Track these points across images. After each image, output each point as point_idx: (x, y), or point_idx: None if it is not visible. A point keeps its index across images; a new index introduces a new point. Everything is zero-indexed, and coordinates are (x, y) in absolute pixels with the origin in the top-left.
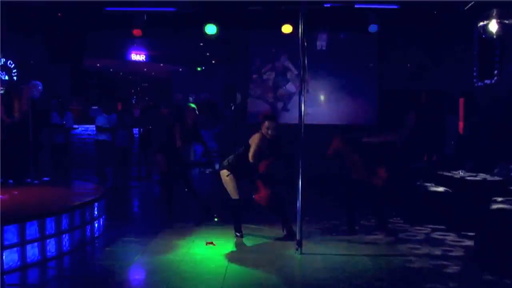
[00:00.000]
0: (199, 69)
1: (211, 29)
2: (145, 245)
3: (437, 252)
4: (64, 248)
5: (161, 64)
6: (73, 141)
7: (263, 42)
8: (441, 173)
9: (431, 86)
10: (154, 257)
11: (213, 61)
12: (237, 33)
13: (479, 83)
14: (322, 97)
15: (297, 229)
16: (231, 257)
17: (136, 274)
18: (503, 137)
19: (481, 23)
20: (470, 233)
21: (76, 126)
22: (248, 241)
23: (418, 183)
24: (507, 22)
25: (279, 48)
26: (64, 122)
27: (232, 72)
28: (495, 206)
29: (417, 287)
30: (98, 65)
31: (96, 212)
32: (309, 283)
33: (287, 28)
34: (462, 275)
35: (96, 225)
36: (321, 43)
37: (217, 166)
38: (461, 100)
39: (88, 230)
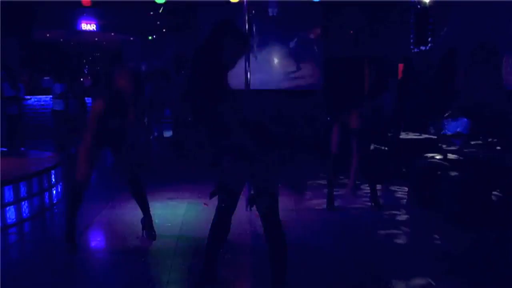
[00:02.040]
0: (150, 38)
1: None
2: (102, 208)
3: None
4: (24, 214)
5: (112, 34)
6: (26, 112)
7: (212, 11)
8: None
9: (373, 53)
10: (112, 218)
11: (164, 30)
12: (186, 1)
13: (416, 49)
14: (270, 63)
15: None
16: (186, 215)
17: (96, 234)
18: (436, 99)
19: None
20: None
21: (28, 97)
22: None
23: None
24: None
25: (228, 16)
26: (16, 94)
27: (183, 40)
28: (426, 160)
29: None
30: (48, 35)
31: (53, 179)
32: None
33: None
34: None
35: (55, 191)
36: (272, 10)
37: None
38: (400, 65)
39: (47, 196)
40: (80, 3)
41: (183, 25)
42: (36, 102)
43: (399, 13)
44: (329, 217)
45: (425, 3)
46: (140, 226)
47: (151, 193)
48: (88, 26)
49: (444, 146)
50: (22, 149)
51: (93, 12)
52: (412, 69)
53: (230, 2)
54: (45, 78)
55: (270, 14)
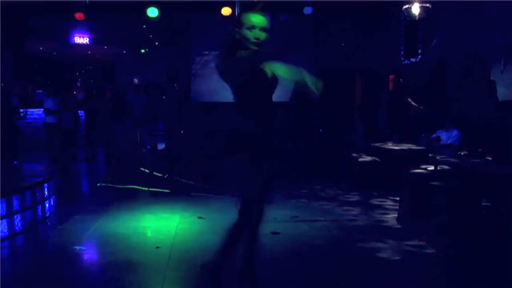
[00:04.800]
0: (142, 51)
1: (153, 12)
2: (95, 221)
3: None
4: (17, 228)
5: (105, 47)
6: (18, 125)
7: (204, 24)
8: (372, 144)
9: (365, 65)
10: (104, 232)
11: (157, 43)
12: (179, 15)
13: (406, 61)
14: None
15: None
16: (179, 227)
17: (87, 248)
18: (427, 110)
19: (405, 6)
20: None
21: (21, 110)
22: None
23: (352, 154)
24: (427, 5)
25: (220, 29)
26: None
27: (176, 53)
28: (418, 171)
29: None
30: (41, 48)
31: (46, 193)
32: None
33: (226, 11)
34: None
35: (47, 205)
36: None
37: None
38: (391, 77)
39: (39, 210)
40: (73, 17)
41: (176, 38)
42: (28, 116)
43: (390, 26)
44: (319, 226)
45: (415, 15)
46: (133, 237)
47: (143, 206)
48: (81, 39)
49: (435, 157)
50: (15, 162)
51: (86, 25)
52: (404, 80)
53: (222, 15)
54: (37, 91)
55: None
